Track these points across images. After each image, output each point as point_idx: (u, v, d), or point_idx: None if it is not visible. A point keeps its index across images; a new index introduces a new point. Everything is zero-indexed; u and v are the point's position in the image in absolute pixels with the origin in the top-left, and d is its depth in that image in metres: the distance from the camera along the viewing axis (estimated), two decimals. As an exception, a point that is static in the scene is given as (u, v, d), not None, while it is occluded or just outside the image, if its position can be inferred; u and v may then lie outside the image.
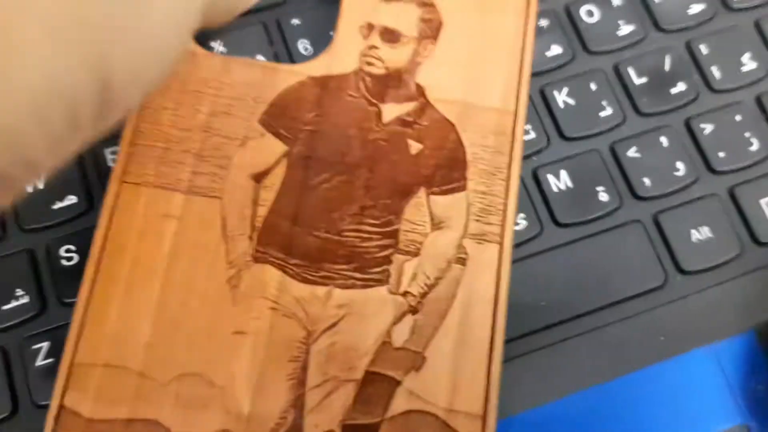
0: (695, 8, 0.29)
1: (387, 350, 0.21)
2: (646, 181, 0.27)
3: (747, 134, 0.27)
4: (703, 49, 0.28)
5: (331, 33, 0.25)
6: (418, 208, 0.23)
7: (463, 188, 0.23)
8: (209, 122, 0.23)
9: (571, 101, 0.27)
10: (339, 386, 0.21)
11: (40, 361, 0.23)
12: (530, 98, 0.27)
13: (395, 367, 0.21)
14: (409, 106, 0.24)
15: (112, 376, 0.21)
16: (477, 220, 0.23)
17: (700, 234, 0.26)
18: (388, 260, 0.22)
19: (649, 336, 0.25)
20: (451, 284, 0.22)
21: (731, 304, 0.26)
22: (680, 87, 0.28)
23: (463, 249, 0.22)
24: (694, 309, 0.26)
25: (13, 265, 0.24)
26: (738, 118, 0.28)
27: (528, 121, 0.26)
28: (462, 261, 0.22)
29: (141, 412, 0.20)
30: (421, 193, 0.23)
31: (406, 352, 0.21)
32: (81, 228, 0.25)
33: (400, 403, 0.21)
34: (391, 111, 0.24)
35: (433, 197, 0.23)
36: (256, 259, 0.22)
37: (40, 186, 0.25)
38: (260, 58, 0.26)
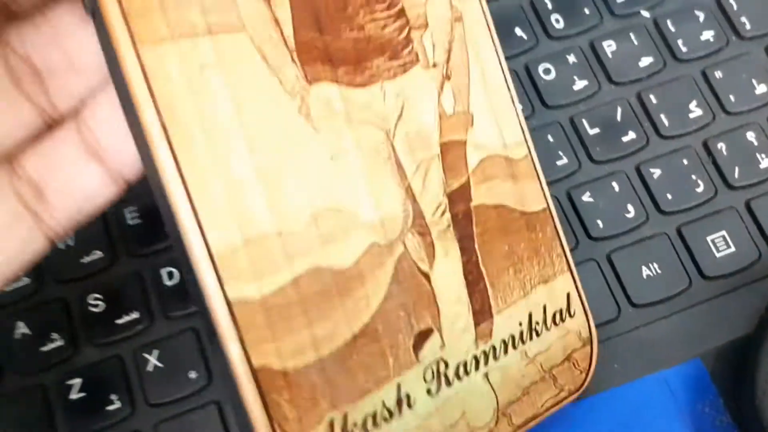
0: (645, 61, 0.32)
1: (445, 120, 0.23)
2: (600, 222, 0.29)
3: (694, 176, 0.30)
4: (653, 98, 0.31)
5: None
6: None
7: None
8: None
9: (530, 152, 0.30)
10: (429, 165, 0.23)
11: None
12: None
13: (456, 131, 0.23)
14: None
15: (257, 248, 0.19)
16: None
17: (650, 270, 0.29)
18: (409, 39, 0.23)
19: (604, 364, 0.28)
20: (461, 42, 0.24)
21: (680, 333, 0.28)
22: (631, 135, 0.31)
23: (455, 8, 0.24)
24: (645, 339, 0.28)
25: (48, 312, 0.28)
26: (685, 161, 0.30)
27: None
28: (459, 18, 0.24)
29: (298, 266, 0.20)
30: None
31: (458, 116, 0.23)
32: (106, 279, 0.28)
33: (472, 158, 0.23)
34: None
35: None
36: (310, 81, 0.21)
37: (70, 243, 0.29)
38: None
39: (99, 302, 0.28)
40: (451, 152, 0.23)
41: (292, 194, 0.20)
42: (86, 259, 0.28)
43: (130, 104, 0.18)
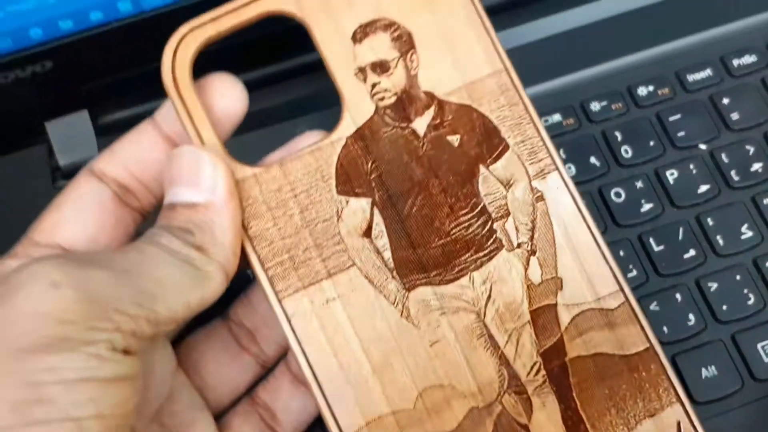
0: (703, 188, 0.37)
1: (533, 289, 0.27)
2: (665, 329, 0.34)
3: (746, 290, 0.35)
4: (710, 221, 0.36)
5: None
6: (487, 181, 0.27)
7: (507, 147, 0.27)
8: (304, 217, 0.26)
9: (604, 265, 0.35)
10: (521, 332, 0.27)
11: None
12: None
13: (546, 297, 0.27)
14: (431, 112, 0.27)
15: (376, 427, 0.26)
16: (531, 163, 0.27)
17: (709, 372, 0.34)
18: (492, 230, 0.27)
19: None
20: (544, 217, 0.27)
21: (735, 428, 0.33)
22: (691, 252, 0.36)
23: (536, 190, 0.27)
24: (705, 432, 0.33)
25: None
26: (738, 277, 0.35)
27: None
28: (540, 197, 0.27)
29: None
30: (482, 168, 0.27)
31: (546, 283, 0.27)
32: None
33: (564, 317, 0.26)
34: (420, 124, 0.27)
35: (491, 167, 0.27)
36: (408, 289, 0.26)
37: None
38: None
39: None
40: (542, 317, 0.27)
41: (401, 380, 0.26)
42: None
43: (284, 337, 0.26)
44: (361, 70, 0.27)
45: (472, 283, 0.27)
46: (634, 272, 0.35)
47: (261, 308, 0.28)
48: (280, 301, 0.26)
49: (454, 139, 0.27)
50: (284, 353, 0.29)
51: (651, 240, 0.36)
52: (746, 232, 0.36)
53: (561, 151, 0.38)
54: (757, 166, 0.37)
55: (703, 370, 0.34)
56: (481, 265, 0.27)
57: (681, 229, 0.36)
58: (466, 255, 0.27)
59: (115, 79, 0.37)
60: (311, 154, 0.27)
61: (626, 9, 0.41)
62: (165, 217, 0.25)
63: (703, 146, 0.38)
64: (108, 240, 0.26)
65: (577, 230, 0.27)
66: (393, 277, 0.26)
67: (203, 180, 0.25)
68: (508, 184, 0.27)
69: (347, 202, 0.27)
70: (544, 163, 0.27)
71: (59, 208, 0.26)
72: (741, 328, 0.35)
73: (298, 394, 0.28)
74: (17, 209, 0.30)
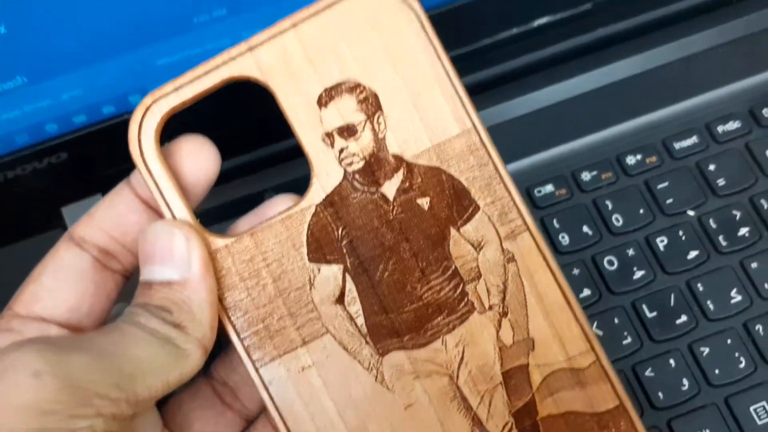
0: (692, 254, 0.38)
1: (505, 351, 0.27)
2: (660, 394, 0.36)
3: (737, 354, 0.36)
4: (700, 286, 0.38)
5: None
6: (458, 244, 0.27)
7: (477, 209, 0.27)
8: (277, 286, 0.27)
9: (599, 332, 0.37)
10: (493, 393, 0.27)
11: None
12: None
13: (517, 358, 0.27)
14: (400, 175, 0.27)
15: None
16: (502, 224, 0.27)
17: (704, 435, 0.35)
18: (464, 293, 0.27)
19: None
20: (515, 278, 0.27)
21: (730, 490, 0.34)
22: (683, 318, 0.37)
23: (507, 251, 0.27)
24: (702, 494, 0.34)
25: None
26: (729, 341, 0.37)
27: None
28: (511, 258, 0.27)
29: None
30: (452, 231, 0.27)
31: (518, 344, 0.27)
32: None
33: (536, 377, 0.27)
34: (390, 188, 0.27)
35: (462, 229, 0.27)
36: (382, 354, 0.27)
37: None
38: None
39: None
40: (514, 378, 0.27)
41: None
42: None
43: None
44: (328, 135, 0.27)
45: (445, 346, 0.27)
46: (629, 339, 0.37)
47: (240, 369, 0.28)
48: (257, 370, 0.27)
49: (424, 202, 0.27)
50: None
51: (644, 306, 0.37)
52: (735, 296, 0.37)
53: (554, 221, 0.39)
54: (744, 231, 0.39)
55: (698, 433, 0.35)
56: (454, 328, 0.27)
57: (672, 295, 0.38)
58: (439, 318, 0.27)
59: (128, 164, 0.39)
60: (281, 223, 0.27)
61: (612, 80, 0.43)
62: (142, 295, 0.26)
63: (691, 212, 0.39)
64: (89, 307, 0.27)
65: (548, 290, 0.27)
66: (366, 343, 0.27)
67: (177, 257, 0.25)
68: (479, 246, 0.27)
69: (319, 269, 0.27)
70: (515, 224, 0.27)
71: (39, 278, 0.26)
72: (733, 392, 0.36)
73: None
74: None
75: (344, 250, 0.27)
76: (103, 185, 0.39)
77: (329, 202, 0.27)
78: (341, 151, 0.27)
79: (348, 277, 0.27)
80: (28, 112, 0.35)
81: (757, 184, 0.40)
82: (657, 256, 0.38)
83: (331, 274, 0.27)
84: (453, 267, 0.27)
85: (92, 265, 0.27)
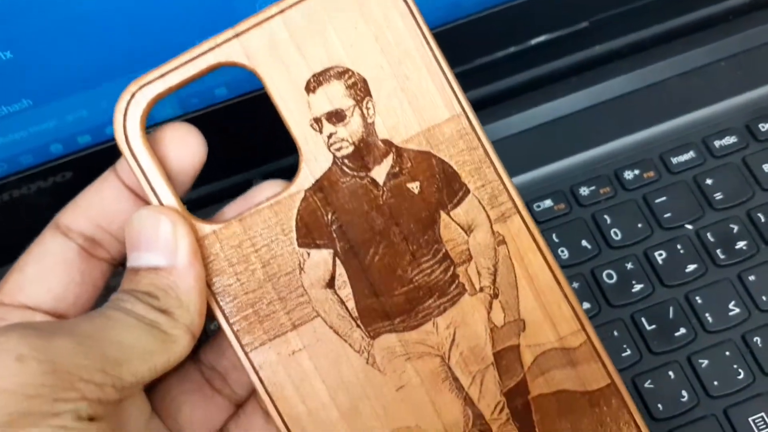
0: (690, 267, 0.39)
1: (496, 332, 0.27)
2: (660, 406, 0.36)
3: (735, 365, 0.37)
4: (698, 299, 0.38)
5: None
6: (448, 227, 0.27)
7: (467, 192, 0.27)
8: (266, 271, 0.27)
9: (599, 345, 0.37)
10: (484, 374, 0.27)
11: None
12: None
13: (509, 339, 0.27)
14: (390, 160, 0.27)
15: None
16: (492, 207, 0.27)
17: (703, 446, 0.35)
18: (455, 276, 0.27)
19: None
20: (506, 261, 0.27)
21: (731, 501, 0.35)
22: (682, 330, 0.37)
23: (497, 234, 0.27)
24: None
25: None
26: (727, 353, 0.37)
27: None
28: (502, 241, 0.27)
29: None
30: (443, 214, 0.27)
31: (509, 325, 0.27)
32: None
33: (527, 357, 0.27)
34: (379, 173, 0.27)
35: (452, 212, 0.27)
36: (373, 337, 0.27)
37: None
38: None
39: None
40: (505, 358, 0.27)
41: (369, 424, 0.27)
42: None
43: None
44: (317, 121, 0.27)
45: (436, 328, 0.27)
46: (629, 351, 0.37)
47: (229, 353, 0.29)
48: (247, 354, 0.27)
49: (414, 187, 0.27)
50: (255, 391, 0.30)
51: (643, 319, 0.38)
52: (734, 309, 0.38)
53: (553, 236, 0.40)
54: (741, 244, 0.39)
55: (698, 445, 0.35)
56: (445, 310, 0.27)
57: (671, 308, 0.38)
58: (429, 301, 0.27)
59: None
60: (270, 209, 0.27)
61: (610, 96, 0.43)
62: (129, 281, 0.25)
63: (689, 226, 0.40)
64: (75, 296, 0.26)
65: (538, 272, 0.27)
66: (357, 326, 0.27)
67: (164, 243, 0.25)
68: (469, 229, 0.27)
69: (309, 254, 0.27)
70: (505, 207, 0.27)
71: (23, 267, 0.26)
72: (732, 403, 0.36)
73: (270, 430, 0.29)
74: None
75: (334, 235, 0.27)
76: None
77: (318, 187, 0.27)
78: (330, 136, 0.27)
79: (338, 262, 0.27)
80: (33, 133, 0.36)
81: (754, 198, 0.40)
82: (656, 270, 0.39)
83: (321, 258, 0.27)
84: (443, 250, 0.27)
85: (78, 253, 0.26)
